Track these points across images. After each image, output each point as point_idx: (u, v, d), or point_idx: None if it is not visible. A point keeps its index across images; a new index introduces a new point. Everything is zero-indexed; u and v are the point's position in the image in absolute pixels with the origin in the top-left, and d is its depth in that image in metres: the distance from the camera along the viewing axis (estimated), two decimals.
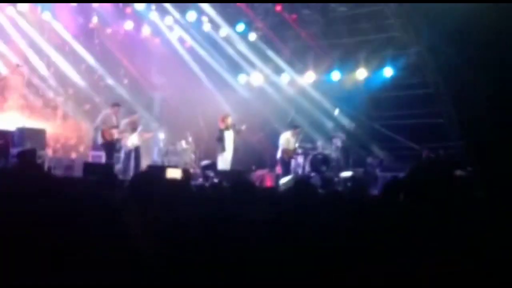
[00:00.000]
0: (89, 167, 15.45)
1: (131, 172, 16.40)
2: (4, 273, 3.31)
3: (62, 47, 20.57)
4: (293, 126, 19.15)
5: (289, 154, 18.75)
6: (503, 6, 16.06)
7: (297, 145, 18.88)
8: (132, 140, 17.49)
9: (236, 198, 5.29)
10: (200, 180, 17.04)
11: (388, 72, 20.74)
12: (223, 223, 4.04)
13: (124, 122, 17.59)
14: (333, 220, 4.28)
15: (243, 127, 18.26)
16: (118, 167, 16.95)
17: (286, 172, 18.52)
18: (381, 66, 20.79)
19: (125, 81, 21.83)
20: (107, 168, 15.39)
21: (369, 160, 19.74)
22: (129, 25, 20.76)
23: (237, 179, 14.86)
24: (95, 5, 19.99)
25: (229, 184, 14.05)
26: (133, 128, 17.66)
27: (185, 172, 14.39)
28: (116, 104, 17.65)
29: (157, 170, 16.13)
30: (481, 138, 17.43)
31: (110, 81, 21.34)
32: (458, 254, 3.27)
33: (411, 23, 19.27)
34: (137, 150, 17.65)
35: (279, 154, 18.85)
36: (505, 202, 4.19)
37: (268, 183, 17.91)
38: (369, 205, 4.63)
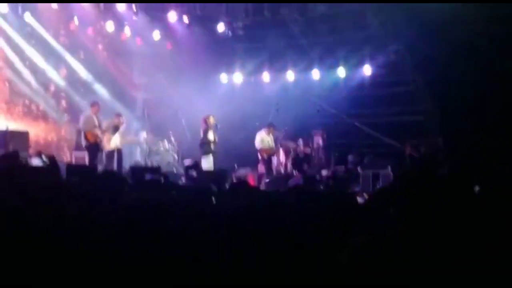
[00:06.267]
0: (72, 169, 15.49)
1: None
2: None
3: (43, 47, 20.51)
4: (267, 124, 19.28)
5: (267, 153, 18.89)
6: (480, 5, 16.31)
7: (272, 143, 19.02)
8: (114, 141, 17.59)
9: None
10: (183, 180, 17.12)
11: (367, 70, 20.99)
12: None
13: (106, 122, 17.67)
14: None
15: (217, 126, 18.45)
16: (99, 168, 17.00)
17: (269, 171, 18.68)
18: (360, 64, 21.03)
19: (107, 81, 21.80)
20: (90, 170, 15.41)
21: (350, 157, 19.93)
22: (110, 26, 20.71)
23: (221, 178, 15.05)
24: (75, 5, 19.88)
25: (213, 184, 14.25)
26: (114, 129, 17.76)
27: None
28: (95, 103, 17.69)
29: (139, 171, 16.24)
30: (459, 134, 17.73)
31: (92, 81, 21.30)
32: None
33: (389, 21, 19.46)
34: (119, 151, 17.77)
35: (259, 155, 19.05)
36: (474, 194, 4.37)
37: (251, 181, 18.04)
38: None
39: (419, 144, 18.49)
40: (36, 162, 13.60)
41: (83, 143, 17.20)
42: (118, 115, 18.41)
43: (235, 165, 19.71)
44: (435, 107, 19.53)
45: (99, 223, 4.03)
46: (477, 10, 16.31)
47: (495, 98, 17.24)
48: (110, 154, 17.57)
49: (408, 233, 3.72)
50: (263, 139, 18.92)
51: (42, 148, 19.05)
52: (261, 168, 19.47)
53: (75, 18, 20.06)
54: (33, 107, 20.51)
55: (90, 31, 20.97)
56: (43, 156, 14.06)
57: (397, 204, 4.21)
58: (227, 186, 14.66)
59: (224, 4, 20.85)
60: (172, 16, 20.44)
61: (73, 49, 20.99)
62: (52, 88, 20.87)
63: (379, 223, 4.33)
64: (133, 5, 19.94)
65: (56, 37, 20.54)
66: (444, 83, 18.43)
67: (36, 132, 19.86)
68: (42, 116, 20.65)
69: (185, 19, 20.94)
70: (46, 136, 20.57)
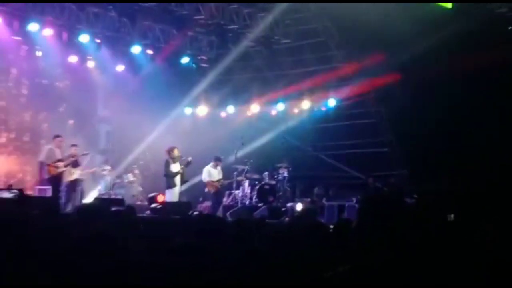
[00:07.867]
0: (34, 202, 15.18)
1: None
2: None
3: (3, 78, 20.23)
4: (214, 158, 18.89)
5: (213, 186, 18.53)
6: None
7: (219, 175, 18.76)
8: (73, 175, 17.32)
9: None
10: (148, 212, 16.94)
11: (332, 102, 21.09)
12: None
13: (66, 155, 17.39)
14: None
15: (190, 158, 18.06)
16: (62, 200, 16.75)
17: (216, 204, 18.39)
18: (325, 96, 21.12)
19: (69, 113, 21.49)
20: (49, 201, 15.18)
21: (316, 190, 19.93)
22: (73, 59, 20.47)
23: (185, 210, 14.93)
24: (39, 37, 19.55)
25: (177, 216, 14.13)
26: (74, 163, 17.49)
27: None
28: (57, 136, 17.47)
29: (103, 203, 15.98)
30: (423, 166, 17.86)
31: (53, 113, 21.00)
32: None
33: (353, 53, 19.66)
34: (80, 183, 17.53)
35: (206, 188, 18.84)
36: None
37: None
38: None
39: (383, 176, 18.64)
40: (5, 195, 13.42)
41: (46, 175, 16.98)
42: (73, 145, 18.00)
43: (200, 198, 19.62)
44: (398, 139, 19.69)
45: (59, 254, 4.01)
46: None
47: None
48: (72, 185, 17.29)
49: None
50: (210, 172, 18.60)
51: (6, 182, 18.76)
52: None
53: (39, 52, 19.86)
54: None
55: (53, 62, 20.64)
56: (13, 190, 13.97)
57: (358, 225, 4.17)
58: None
59: (188, 37, 20.81)
60: (135, 49, 20.28)
61: (33, 79, 20.72)
62: (12, 120, 20.50)
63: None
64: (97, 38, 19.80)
65: (17, 66, 20.25)
66: (407, 114, 18.63)
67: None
68: (5, 151, 20.26)
69: (149, 52, 20.87)
70: (9, 170, 20.16)
